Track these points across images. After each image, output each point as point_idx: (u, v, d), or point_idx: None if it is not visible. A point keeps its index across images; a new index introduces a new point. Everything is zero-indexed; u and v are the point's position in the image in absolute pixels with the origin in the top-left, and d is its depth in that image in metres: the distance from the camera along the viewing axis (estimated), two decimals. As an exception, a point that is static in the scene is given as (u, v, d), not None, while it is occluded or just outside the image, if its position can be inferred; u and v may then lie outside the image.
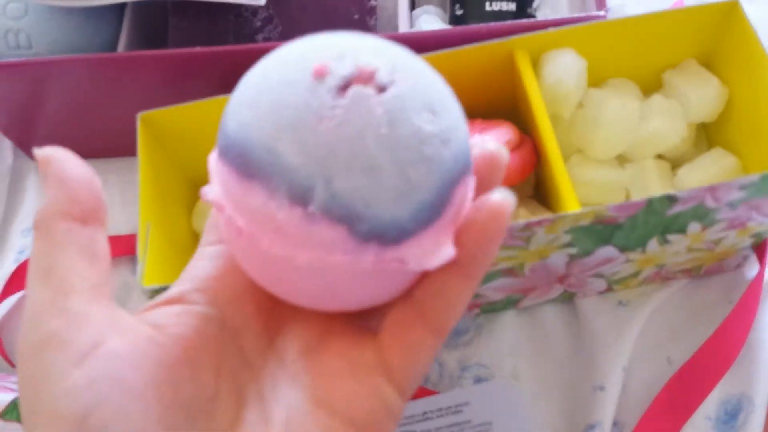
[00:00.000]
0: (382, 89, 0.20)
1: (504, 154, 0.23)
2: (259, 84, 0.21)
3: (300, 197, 0.20)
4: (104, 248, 0.23)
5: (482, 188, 0.23)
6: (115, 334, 0.21)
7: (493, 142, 0.23)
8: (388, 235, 0.20)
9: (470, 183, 0.22)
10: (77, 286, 0.22)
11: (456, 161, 0.21)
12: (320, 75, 0.21)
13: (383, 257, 0.21)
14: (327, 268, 0.21)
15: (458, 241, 0.22)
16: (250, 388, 0.23)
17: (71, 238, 0.22)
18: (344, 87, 0.20)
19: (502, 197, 0.21)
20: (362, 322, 0.24)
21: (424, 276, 0.23)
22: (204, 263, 0.25)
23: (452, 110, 0.22)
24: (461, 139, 0.22)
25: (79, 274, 0.22)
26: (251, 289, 0.24)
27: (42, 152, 0.23)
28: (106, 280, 0.22)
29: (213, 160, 0.22)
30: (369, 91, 0.20)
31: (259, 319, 0.24)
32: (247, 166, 0.20)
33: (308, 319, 0.24)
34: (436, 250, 0.21)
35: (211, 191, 0.22)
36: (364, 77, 0.21)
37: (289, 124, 0.20)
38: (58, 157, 0.23)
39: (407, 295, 0.23)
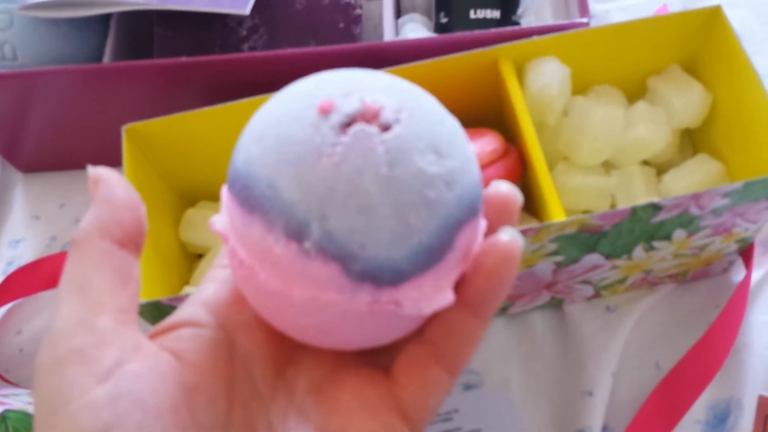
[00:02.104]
0: (385, 128, 0.20)
1: (518, 197, 0.23)
2: (268, 118, 0.21)
3: (296, 233, 0.20)
4: (137, 274, 0.23)
5: (493, 231, 0.22)
6: (137, 357, 0.21)
7: (506, 184, 0.23)
8: (383, 277, 0.20)
9: (479, 226, 0.22)
10: (108, 306, 0.22)
11: (461, 205, 0.21)
12: (325, 111, 0.21)
13: (378, 299, 0.20)
14: (321, 306, 0.21)
15: (468, 283, 0.22)
16: (260, 420, 0.23)
17: (109, 258, 0.22)
18: (347, 124, 0.20)
19: (510, 239, 0.21)
20: (374, 358, 0.24)
21: (435, 316, 0.23)
22: (215, 287, 0.25)
23: (461, 151, 0.21)
24: (469, 181, 0.21)
25: (112, 294, 0.22)
26: (261, 318, 0.24)
27: (93, 171, 0.23)
28: (135, 306, 0.23)
29: (224, 191, 0.23)
30: (372, 129, 0.20)
31: (269, 348, 0.24)
32: (249, 199, 0.21)
33: (319, 352, 0.24)
34: (435, 295, 0.21)
35: (219, 221, 0.22)
36: (369, 115, 0.20)
37: (290, 160, 0.20)
38: (108, 178, 0.23)
39: (419, 333, 0.23)
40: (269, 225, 0.20)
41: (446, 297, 0.21)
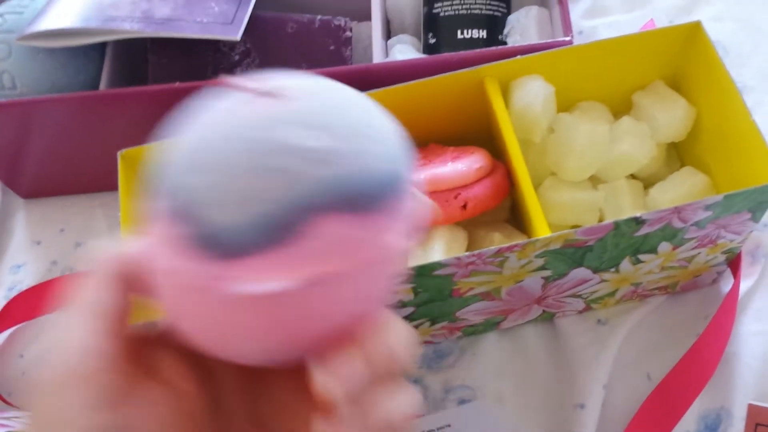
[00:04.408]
0: (275, 98, 0.20)
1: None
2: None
3: (156, 195, 0.20)
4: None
5: None
6: (139, 385, 0.22)
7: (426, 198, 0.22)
8: (227, 244, 0.19)
9: (361, 224, 0.20)
10: (119, 332, 0.22)
11: (334, 188, 0.19)
12: (224, 85, 0.21)
13: (223, 272, 0.19)
14: (181, 287, 0.20)
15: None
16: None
17: (131, 288, 0.23)
18: (237, 95, 0.20)
19: (322, 387, 0.20)
20: None
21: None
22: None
23: (366, 144, 0.20)
24: (363, 173, 0.20)
25: (125, 321, 0.23)
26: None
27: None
28: (141, 342, 0.23)
29: None
30: (250, 96, 0.20)
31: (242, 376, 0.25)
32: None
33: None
34: (281, 276, 0.19)
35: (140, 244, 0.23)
36: (263, 90, 0.20)
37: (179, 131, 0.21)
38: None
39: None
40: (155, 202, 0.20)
41: (283, 282, 0.19)
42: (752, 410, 0.46)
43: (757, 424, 0.46)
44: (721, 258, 0.49)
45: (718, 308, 0.49)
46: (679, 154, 0.53)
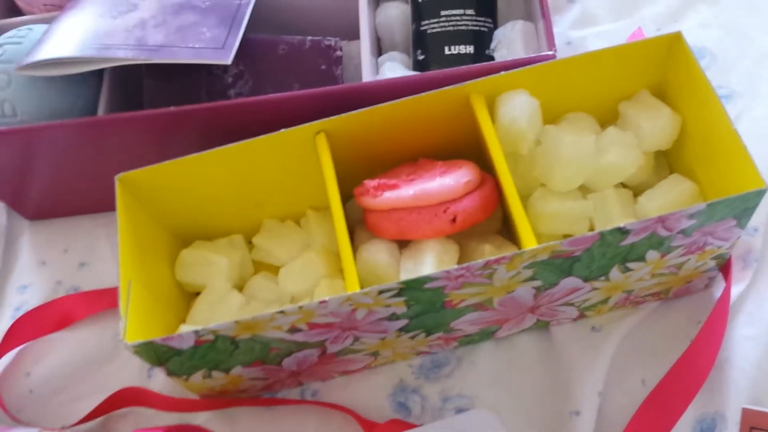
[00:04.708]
0: None
1: None
2: None
3: None
4: None
5: None
6: None
7: None
8: None
9: None
10: None
11: None
12: None
13: None
14: None
15: None
16: None
17: None
18: None
19: None
20: None
21: None
22: None
23: None
24: None
25: None
26: None
27: None
28: None
29: None
30: None
31: None
32: None
33: None
34: None
35: None
36: None
37: None
38: None
39: None
40: None
41: None
42: (746, 414, 0.47)
43: (751, 428, 0.47)
44: (712, 264, 0.49)
45: (710, 313, 0.49)
46: (668, 161, 0.54)
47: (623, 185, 0.52)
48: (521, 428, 0.50)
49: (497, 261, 0.42)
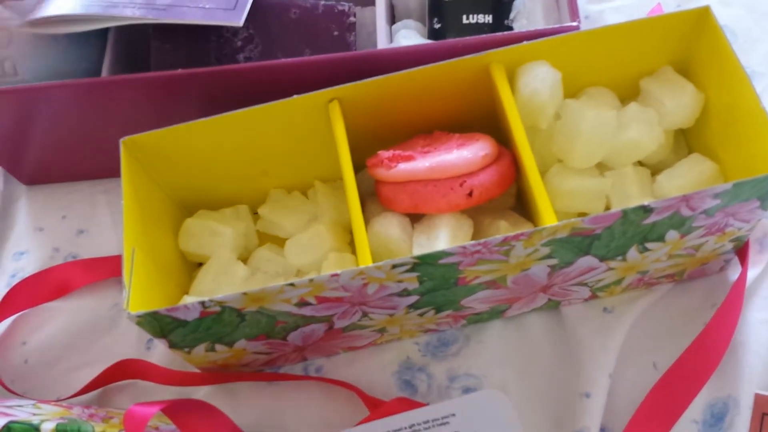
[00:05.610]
0: None
1: None
2: None
3: None
4: None
5: None
6: None
7: None
8: None
9: None
10: None
11: None
12: None
13: None
14: None
15: None
16: None
17: None
18: None
19: None
20: None
21: None
22: None
23: None
24: None
25: None
26: None
27: None
28: None
29: None
30: None
31: None
32: None
33: None
34: None
35: None
36: None
37: None
38: None
39: None
40: None
41: None
42: (759, 399, 0.46)
43: (764, 414, 0.46)
44: (729, 246, 0.48)
45: (726, 296, 0.48)
46: (687, 140, 0.53)
47: (641, 164, 0.51)
48: (530, 409, 0.49)
49: (515, 237, 0.41)
